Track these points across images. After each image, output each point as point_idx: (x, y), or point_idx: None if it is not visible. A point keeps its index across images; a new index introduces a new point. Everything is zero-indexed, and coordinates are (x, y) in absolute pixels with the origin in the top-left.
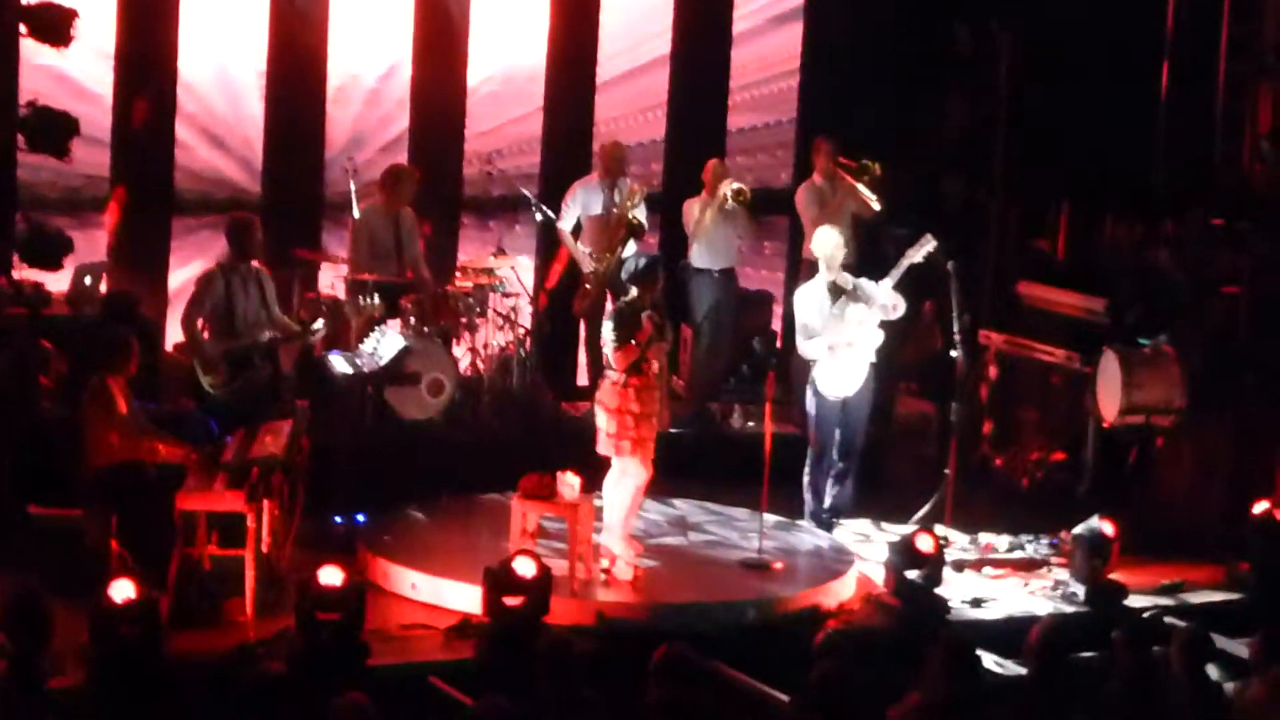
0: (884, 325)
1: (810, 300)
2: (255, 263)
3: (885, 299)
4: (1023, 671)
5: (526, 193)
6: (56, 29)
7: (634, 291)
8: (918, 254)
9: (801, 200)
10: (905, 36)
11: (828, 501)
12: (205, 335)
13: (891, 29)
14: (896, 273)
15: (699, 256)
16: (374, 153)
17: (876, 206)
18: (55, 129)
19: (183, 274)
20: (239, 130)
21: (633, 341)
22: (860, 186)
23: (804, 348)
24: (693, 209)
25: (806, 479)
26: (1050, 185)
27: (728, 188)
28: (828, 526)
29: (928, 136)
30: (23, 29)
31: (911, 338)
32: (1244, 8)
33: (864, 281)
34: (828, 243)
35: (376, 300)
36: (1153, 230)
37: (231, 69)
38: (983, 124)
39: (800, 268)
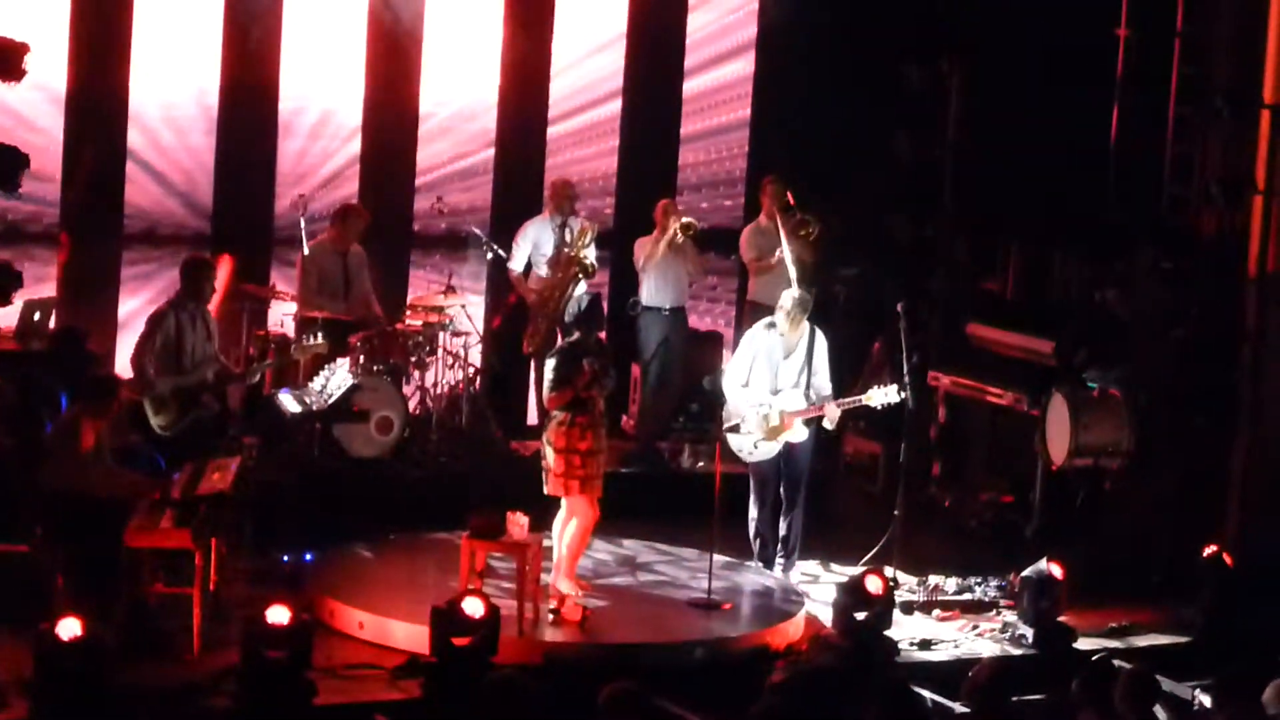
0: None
1: (759, 343)
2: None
3: (830, 411)
4: (964, 711)
5: (477, 231)
6: (7, 63)
7: (575, 334)
8: (879, 399)
9: (743, 242)
10: (856, 74)
11: (777, 541)
12: (154, 373)
13: (842, 67)
14: (848, 403)
15: (649, 294)
16: (324, 190)
17: (807, 260)
18: (5, 163)
19: (133, 309)
20: (190, 166)
21: (569, 385)
22: (795, 241)
23: (730, 392)
24: (643, 247)
25: (752, 523)
26: (999, 224)
27: (677, 224)
28: (776, 567)
29: (877, 174)
30: None
31: (860, 377)
32: (1194, 50)
33: (821, 374)
34: (786, 301)
35: (320, 339)
36: (1101, 271)
37: (183, 105)
38: (932, 162)
39: (744, 309)
